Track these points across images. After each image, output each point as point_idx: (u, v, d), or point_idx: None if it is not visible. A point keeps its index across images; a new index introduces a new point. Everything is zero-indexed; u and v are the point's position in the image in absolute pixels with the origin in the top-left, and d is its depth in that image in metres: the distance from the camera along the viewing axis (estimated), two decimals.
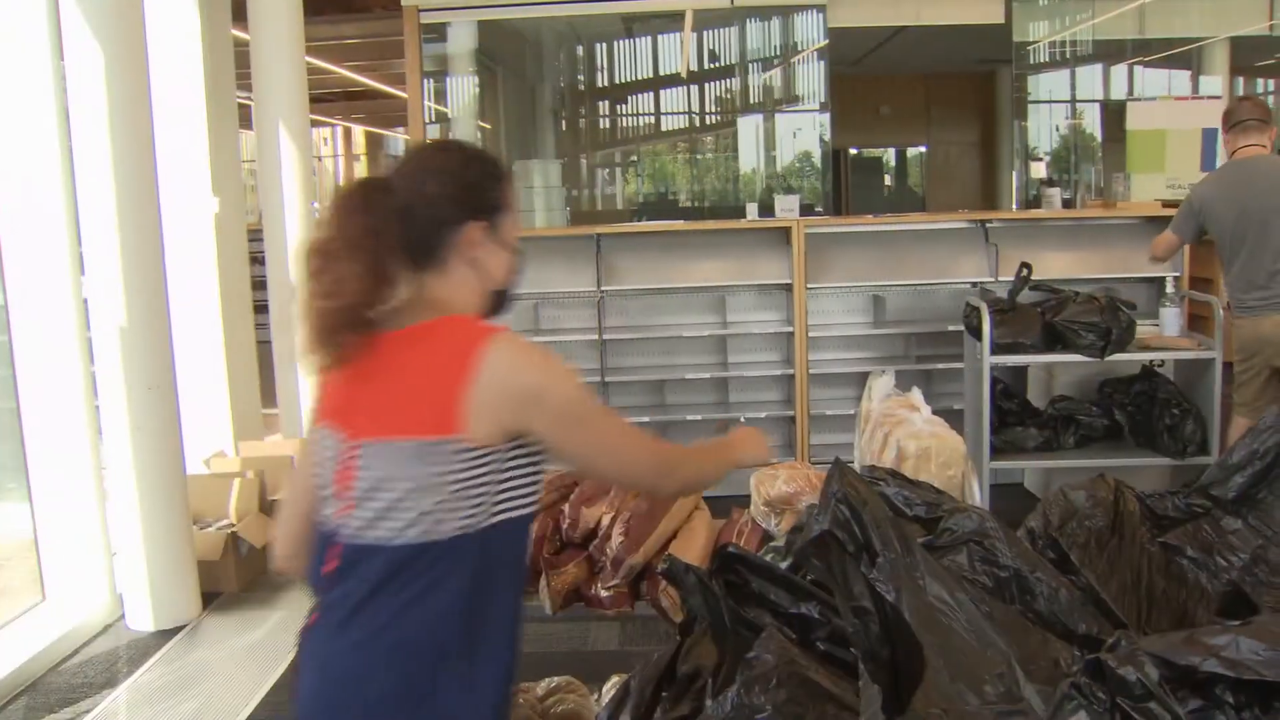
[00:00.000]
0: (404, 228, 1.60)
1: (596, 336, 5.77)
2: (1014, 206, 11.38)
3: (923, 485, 1.68)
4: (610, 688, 2.33)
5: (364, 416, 1.57)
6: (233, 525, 4.74)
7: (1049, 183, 9.91)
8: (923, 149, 15.51)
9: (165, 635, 4.26)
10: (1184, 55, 11.24)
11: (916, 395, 2.33)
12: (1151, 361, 4.88)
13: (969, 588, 1.19)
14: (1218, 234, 4.45)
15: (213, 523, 4.78)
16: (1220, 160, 5.21)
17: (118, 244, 4.11)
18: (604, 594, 2.42)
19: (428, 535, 1.51)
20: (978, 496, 2.02)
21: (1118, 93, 12.06)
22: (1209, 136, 9.37)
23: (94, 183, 4.09)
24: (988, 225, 5.77)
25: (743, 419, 5.89)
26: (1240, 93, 12.74)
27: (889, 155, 16.89)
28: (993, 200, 13.30)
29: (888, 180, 16.70)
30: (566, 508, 2.50)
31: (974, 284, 5.61)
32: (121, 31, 4.12)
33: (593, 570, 2.47)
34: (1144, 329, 4.78)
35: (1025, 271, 4.81)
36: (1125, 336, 4.60)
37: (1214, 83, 11.63)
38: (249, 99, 5.98)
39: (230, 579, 4.63)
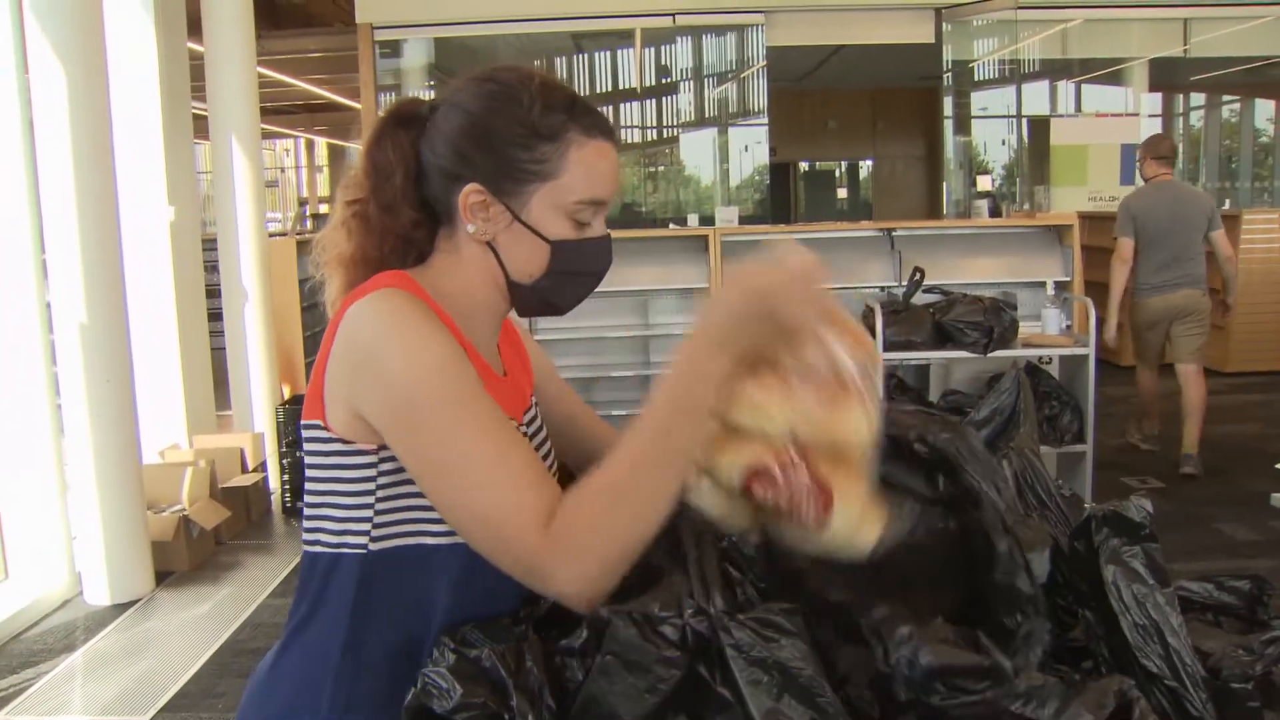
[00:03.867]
0: (417, 174, 1.24)
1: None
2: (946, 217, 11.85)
3: None
4: None
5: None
6: (184, 510, 5.09)
7: (983, 195, 10.40)
8: (869, 163, 16.04)
9: (120, 608, 4.59)
10: (1113, 74, 11.77)
11: None
12: (1040, 359, 5.31)
13: None
14: (1147, 235, 5.84)
15: (166, 508, 5.13)
16: (1137, 177, 6.40)
17: (79, 248, 4.41)
18: None
19: (317, 544, 1.20)
20: None
21: (1048, 109, 12.59)
22: (1128, 152, 9.87)
23: (57, 191, 4.39)
24: (893, 234, 6.21)
25: None
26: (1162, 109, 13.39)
27: (841, 169, 17.39)
28: (937, 211, 13.79)
29: (841, 193, 17.19)
30: None
31: (881, 288, 6.03)
32: (83, 46, 4.40)
33: None
34: (1029, 328, 5.22)
35: (918, 275, 5.24)
36: (1008, 334, 5.02)
37: (1153, 100, 12.17)
38: (204, 110, 6.33)
39: (182, 558, 4.97)
